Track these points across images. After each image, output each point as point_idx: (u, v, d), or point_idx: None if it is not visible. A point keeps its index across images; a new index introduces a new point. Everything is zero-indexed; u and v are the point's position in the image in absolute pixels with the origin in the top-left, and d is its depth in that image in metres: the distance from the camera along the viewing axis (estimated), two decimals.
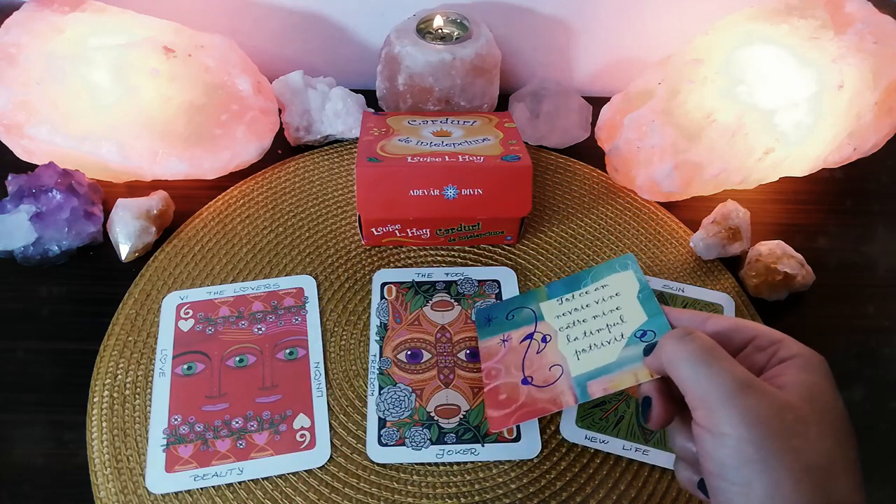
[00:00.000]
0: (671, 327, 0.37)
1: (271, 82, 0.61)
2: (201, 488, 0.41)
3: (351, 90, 0.63)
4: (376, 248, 0.55)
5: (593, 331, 0.41)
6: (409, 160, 0.51)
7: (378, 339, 0.49)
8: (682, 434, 0.34)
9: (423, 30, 0.62)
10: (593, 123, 0.63)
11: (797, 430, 0.28)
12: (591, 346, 0.40)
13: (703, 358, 0.30)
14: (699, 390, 0.30)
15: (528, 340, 0.43)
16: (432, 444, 0.43)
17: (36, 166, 0.54)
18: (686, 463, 0.34)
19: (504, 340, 0.44)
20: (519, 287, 0.52)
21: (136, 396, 0.45)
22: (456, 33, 0.62)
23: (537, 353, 0.42)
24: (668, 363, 0.32)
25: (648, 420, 0.34)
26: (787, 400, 0.29)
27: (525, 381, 0.41)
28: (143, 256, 0.54)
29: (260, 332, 0.49)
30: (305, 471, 0.42)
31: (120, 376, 0.46)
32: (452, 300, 0.51)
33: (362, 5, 0.66)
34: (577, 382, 0.39)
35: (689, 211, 0.58)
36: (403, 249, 0.55)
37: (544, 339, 0.42)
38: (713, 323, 0.35)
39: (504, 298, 0.51)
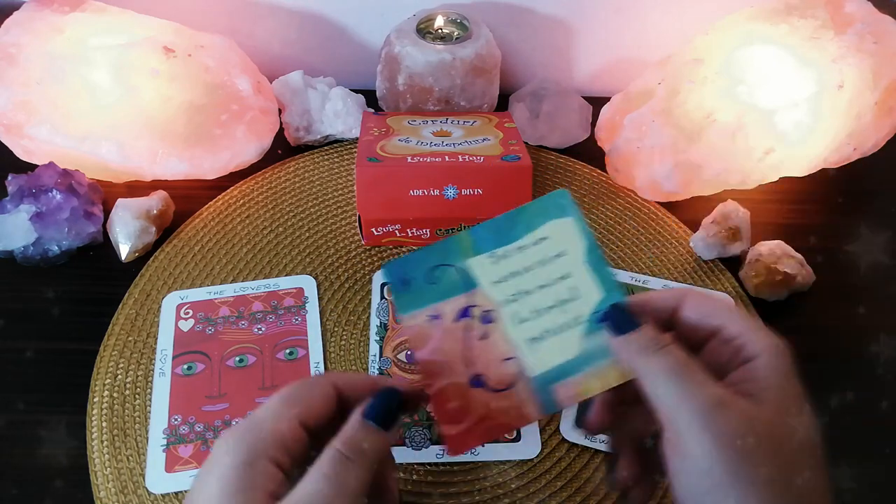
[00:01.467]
0: (633, 312, 0.32)
1: (271, 82, 0.61)
2: None
3: (351, 90, 0.63)
4: (376, 248, 0.55)
5: (543, 308, 0.34)
6: (409, 160, 0.51)
7: (378, 339, 0.49)
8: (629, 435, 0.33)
9: (423, 30, 0.62)
10: (593, 123, 0.63)
11: (770, 450, 0.27)
12: (544, 333, 0.33)
13: (676, 377, 0.28)
14: (670, 410, 0.28)
15: (466, 319, 0.34)
16: (432, 444, 0.43)
17: (36, 166, 0.54)
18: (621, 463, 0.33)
19: (433, 317, 0.34)
20: None
21: (136, 396, 0.45)
22: (456, 33, 0.62)
23: (480, 338, 0.34)
24: (639, 375, 0.29)
25: (586, 425, 0.33)
26: (758, 415, 0.27)
27: (476, 383, 0.33)
28: (143, 256, 0.54)
29: (260, 332, 0.49)
30: None
31: (120, 376, 0.46)
32: None
33: (362, 5, 0.66)
34: (539, 385, 0.33)
35: (689, 211, 0.58)
36: (403, 249, 0.55)
37: (486, 319, 0.34)
38: (688, 309, 0.32)
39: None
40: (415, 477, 0.42)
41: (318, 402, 0.29)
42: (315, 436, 0.29)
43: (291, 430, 0.28)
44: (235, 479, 0.26)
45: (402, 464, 0.43)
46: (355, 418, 0.29)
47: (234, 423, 0.44)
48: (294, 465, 0.28)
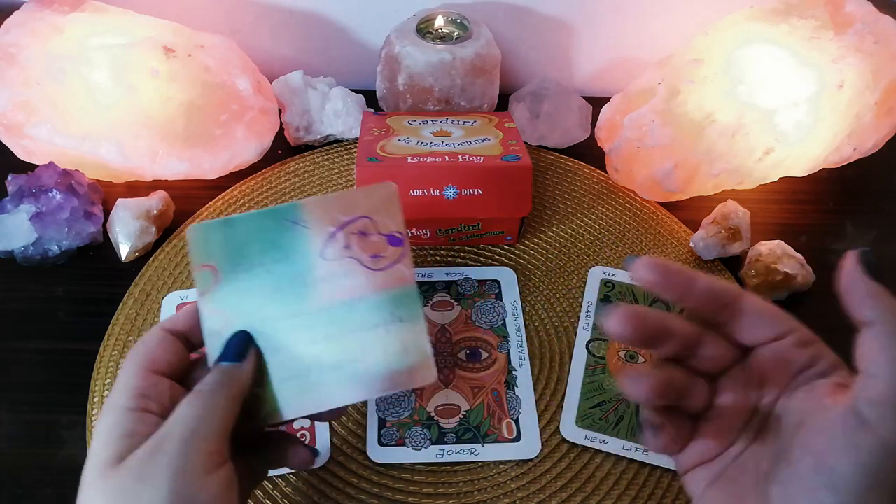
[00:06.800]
0: None
1: (271, 82, 0.62)
2: None
3: (351, 90, 0.63)
4: None
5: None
6: (409, 160, 0.51)
7: None
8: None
9: (423, 30, 0.62)
10: (593, 123, 0.63)
11: None
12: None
13: None
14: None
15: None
16: (432, 444, 0.43)
17: (36, 166, 0.54)
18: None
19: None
20: (519, 287, 0.52)
21: None
22: (456, 33, 0.62)
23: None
24: (867, 323, 0.28)
25: (654, 444, 0.31)
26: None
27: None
28: (143, 256, 0.54)
29: None
30: (306, 470, 0.42)
31: None
32: (452, 300, 0.51)
33: (362, 5, 0.66)
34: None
35: (689, 211, 0.58)
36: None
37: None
38: (748, 306, 0.32)
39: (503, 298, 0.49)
40: (415, 477, 0.42)
41: (157, 349, 0.33)
42: (181, 378, 0.33)
43: (140, 377, 0.31)
44: (113, 434, 0.30)
45: (402, 464, 0.43)
46: (212, 366, 0.33)
47: None
48: (163, 407, 0.31)
